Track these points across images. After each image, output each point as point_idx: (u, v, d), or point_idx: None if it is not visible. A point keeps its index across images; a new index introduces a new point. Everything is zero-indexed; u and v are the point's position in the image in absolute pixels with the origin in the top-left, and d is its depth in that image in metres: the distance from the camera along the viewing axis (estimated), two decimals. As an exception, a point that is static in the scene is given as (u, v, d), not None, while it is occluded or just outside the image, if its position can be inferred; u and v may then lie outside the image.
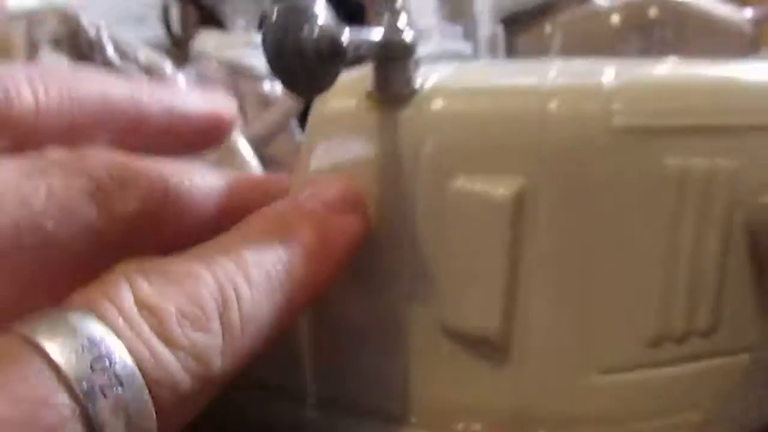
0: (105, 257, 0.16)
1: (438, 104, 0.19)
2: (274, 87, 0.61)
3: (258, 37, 0.69)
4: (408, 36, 0.19)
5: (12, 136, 0.17)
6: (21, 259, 0.15)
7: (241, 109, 0.57)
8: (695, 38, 0.58)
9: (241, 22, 0.63)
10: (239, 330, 0.15)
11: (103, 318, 0.13)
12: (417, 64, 0.20)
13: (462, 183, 0.18)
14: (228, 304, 0.15)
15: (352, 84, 0.20)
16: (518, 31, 0.63)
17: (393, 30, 0.20)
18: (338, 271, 0.18)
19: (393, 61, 0.19)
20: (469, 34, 0.33)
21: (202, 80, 0.57)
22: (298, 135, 0.65)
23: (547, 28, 0.62)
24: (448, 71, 0.21)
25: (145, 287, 0.14)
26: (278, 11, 0.17)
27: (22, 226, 0.15)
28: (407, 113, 0.19)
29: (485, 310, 0.17)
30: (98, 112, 0.19)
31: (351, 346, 0.20)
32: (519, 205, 0.17)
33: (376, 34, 0.19)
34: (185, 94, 0.23)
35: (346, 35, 0.17)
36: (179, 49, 0.66)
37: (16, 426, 0.11)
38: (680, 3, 0.60)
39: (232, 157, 0.38)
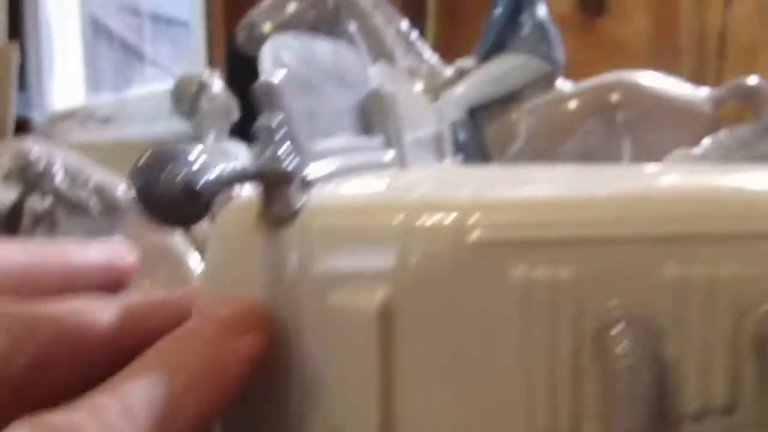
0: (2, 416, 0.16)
1: (318, 222, 0.20)
2: (245, 189, 0.63)
3: (225, 148, 0.75)
4: (289, 164, 0.21)
5: None
6: None
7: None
8: (656, 120, 0.60)
9: (212, 134, 0.67)
10: None
11: None
12: (304, 185, 0.21)
13: (335, 297, 0.19)
14: None
15: (247, 206, 0.21)
16: (486, 120, 0.65)
17: (272, 160, 0.20)
18: (232, 394, 0.19)
19: (273, 186, 0.21)
20: (391, 142, 0.35)
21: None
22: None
23: (514, 115, 0.64)
24: (337, 187, 0.23)
25: None
26: (147, 156, 0.19)
27: None
28: (289, 232, 0.20)
29: (365, 415, 0.18)
30: None
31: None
32: (385, 317, 0.18)
33: (250, 165, 0.20)
34: (81, 249, 0.24)
35: (206, 180, 0.18)
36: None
37: None
38: (641, 86, 0.62)
39: (168, 258, 0.40)
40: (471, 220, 0.18)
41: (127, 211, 0.42)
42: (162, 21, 2.16)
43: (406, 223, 0.18)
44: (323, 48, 0.37)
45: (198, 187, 0.18)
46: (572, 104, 0.61)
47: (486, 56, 0.67)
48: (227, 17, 1.76)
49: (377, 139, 0.35)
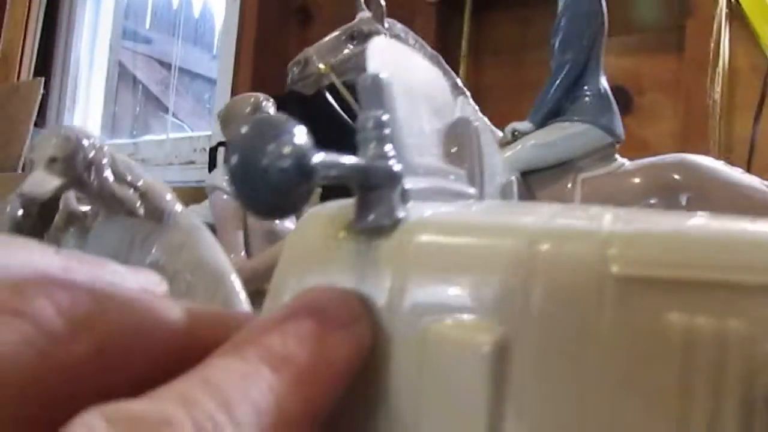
0: (60, 408, 0.14)
1: (420, 239, 0.18)
2: (282, 223, 0.60)
3: None
4: (394, 165, 0.18)
5: None
6: None
7: (246, 241, 0.57)
8: (717, 204, 0.57)
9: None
10: None
11: None
12: (404, 196, 0.19)
13: (440, 327, 0.16)
14: None
15: (334, 213, 0.19)
16: (537, 185, 0.63)
17: (378, 157, 0.18)
18: (337, 394, 0.16)
19: (374, 189, 0.18)
20: (473, 179, 0.32)
21: (213, 212, 0.56)
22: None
23: (568, 184, 0.62)
24: (444, 208, 0.20)
25: None
26: (249, 125, 0.16)
27: None
28: (387, 247, 0.18)
29: None
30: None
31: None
32: (500, 355, 0.16)
33: (358, 159, 0.18)
34: (118, 273, 0.22)
35: (318, 157, 0.16)
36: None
37: None
38: (704, 168, 0.60)
39: (224, 290, 0.37)
40: (613, 252, 0.16)
41: (172, 220, 0.38)
42: (187, 75, 2.21)
43: (531, 249, 0.17)
44: (422, 62, 0.34)
45: (312, 164, 0.16)
46: (635, 180, 0.59)
47: (543, 121, 0.65)
48: (253, 77, 1.80)
49: (462, 170, 0.33)
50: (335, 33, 0.69)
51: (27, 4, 1.95)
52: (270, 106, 0.65)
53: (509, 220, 0.19)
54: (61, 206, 0.40)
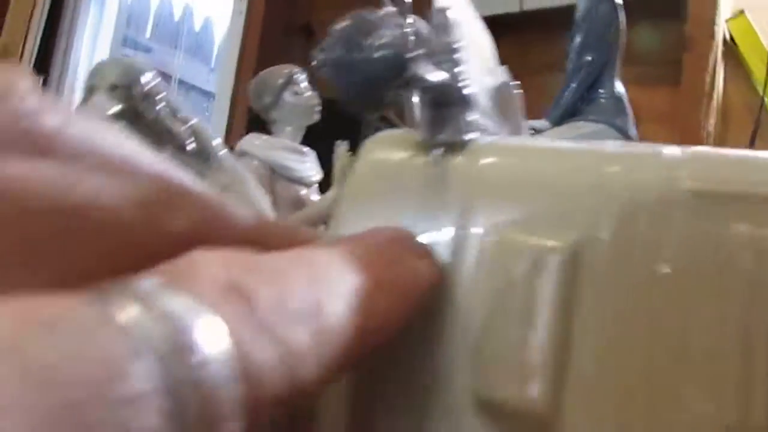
0: (133, 266, 0.14)
1: (490, 156, 0.18)
2: (309, 192, 0.61)
3: (299, 145, 0.73)
4: (466, 88, 0.19)
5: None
6: (56, 248, 0.13)
7: (275, 208, 0.57)
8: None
9: (288, 130, 0.64)
10: (329, 343, 0.13)
11: (190, 292, 0.11)
12: (472, 122, 0.19)
13: (512, 236, 0.17)
14: (321, 310, 0.13)
15: (399, 136, 0.20)
16: None
17: (453, 76, 0.19)
18: (409, 314, 0.16)
19: (447, 107, 0.19)
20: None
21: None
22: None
23: None
24: (507, 137, 0.21)
25: (234, 270, 0.12)
26: (349, 19, 0.17)
27: (56, 212, 0.13)
28: (457, 165, 0.18)
29: (530, 377, 0.16)
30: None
31: (386, 418, 0.18)
32: (573, 261, 0.16)
33: (439, 72, 0.18)
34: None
35: (411, 54, 0.17)
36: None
37: (87, 398, 0.09)
38: None
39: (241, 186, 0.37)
40: (683, 171, 0.17)
41: (217, 162, 0.38)
42: (184, 86, 2.21)
43: (603, 169, 0.17)
44: (478, 21, 0.35)
45: (407, 57, 0.17)
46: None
47: (560, 120, 0.66)
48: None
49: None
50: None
51: (31, 4, 1.95)
52: (303, 79, 0.66)
53: (577, 146, 0.19)
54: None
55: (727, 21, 1.37)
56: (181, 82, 2.23)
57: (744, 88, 1.38)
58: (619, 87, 0.68)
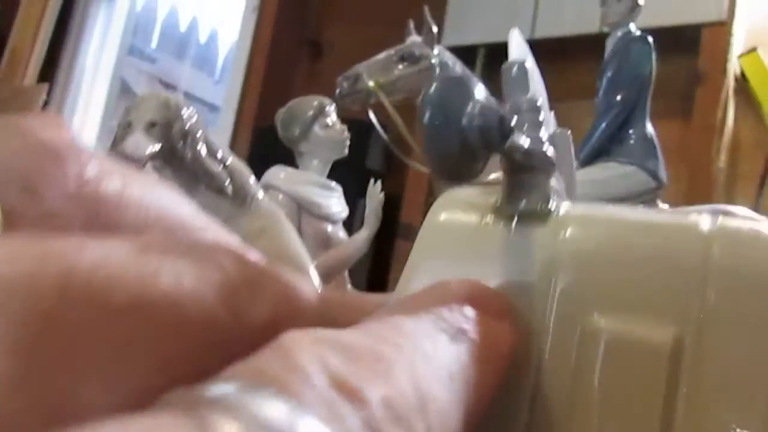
0: (216, 364, 0.12)
1: (579, 229, 0.17)
2: (336, 230, 0.59)
3: (326, 180, 0.71)
4: (549, 151, 0.18)
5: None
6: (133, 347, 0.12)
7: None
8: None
9: (315, 163, 0.62)
10: None
11: (292, 395, 0.10)
12: (554, 188, 0.18)
13: (606, 323, 0.16)
14: (428, 401, 0.12)
15: (473, 196, 0.19)
16: None
17: (535, 140, 0.18)
18: (500, 383, 0.15)
19: (529, 173, 0.18)
20: (570, 195, 0.31)
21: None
22: (350, 287, 0.62)
23: None
24: (578, 204, 0.19)
25: (335, 363, 0.11)
26: (441, 82, 0.16)
27: (140, 309, 0.12)
28: (541, 234, 0.17)
29: None
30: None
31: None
32: (676, 354, 0.15)
33: (524, 138, 0.17)
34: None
35: (513, 121, 0.16)
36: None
37: None
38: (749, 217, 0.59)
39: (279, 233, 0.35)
40: None
41: (254, 204, 0.36)
42: (187, 98, 2.21)
43: (704, 250, 0.16)
44: (539, 75, 0.34)
45: (511, 127, 0.16)
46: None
47: (588, 160, 0.65)
48: (259, 106, 1.80)
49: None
50: (386, 52, 0.69)
51: (41, 8, 1.95)
52: (333, 112, 0.64)
53: (671, 219, 0.18)
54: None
55: (739, 57, 1.38)
56: (185, 94, 2.23)
57: (755, 124, 1.38)
58: (650, 128, 0.67)
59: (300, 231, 0.55)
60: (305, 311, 0.15)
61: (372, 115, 0.66)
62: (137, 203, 0.13)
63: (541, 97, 0.23)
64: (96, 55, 2.07)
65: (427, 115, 0.15)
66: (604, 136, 0.65)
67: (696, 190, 1.32)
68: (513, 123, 0.18)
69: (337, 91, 0.63)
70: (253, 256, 0.15)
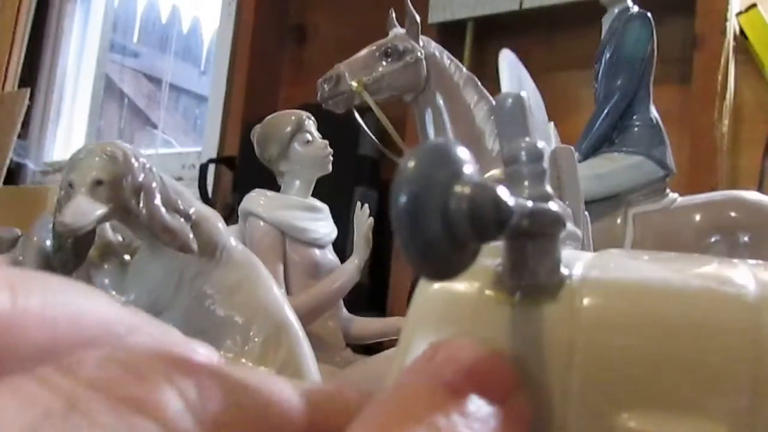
0: None
1: (597, 302, 0.15)
2: (324, 254, 0.55)
3: (311, 201, 0.67)
4: (554, 207, 0.15)
5: None
6: None
7: (285, 275, 0.51)
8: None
9: (297, 183, 0.58)
10: None
11: None
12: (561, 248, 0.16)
13: (636, 424, 0.14)
14: None
15: (475, 265, 0.16)
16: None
17: (540, 196, 0.15)
18: None
19: (537, 238, 0.15)
20: (578, 218, 0.28)
21: (249, 241, 0.51)
22: (346, 313, 0.58)
23: (618, 219, 0.58)
24: (591, 261, 0.17)
25: None
26: (421, 154, 0.13)
27: None
28: (553, 311, 0.15)
29: None
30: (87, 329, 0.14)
31: None
32: None
33: (522, 201, 0.15)
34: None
35: (512, 200, 0.13)
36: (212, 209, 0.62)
37: None
38: (762, 205, 0.56)
39: (287, 339, 0.31)
40: None
41: (225, 255, 0.33)
42: (174, 90, 2.18)
43: (756, 328, 0.14)
44: (530, 83, 0.31)
45: (509, 208, 0.13)
46: (693, 218, 0.55)
47: (590, 151, 0.61)
48: (246, 95, 1.75)
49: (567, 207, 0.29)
50: (368, 49, 0.65)
51: (15, 12, 1.91)
52: (312, 125, 0.59)
53: (710, 285, 0.15)
54: (96, 235, 0.34)
55: (737, 15, 1.33)
56: (171, 86, 2.20)
57: (756, 85, 1.35)
58: (654, 112, 0.63)
59: (286, 259, 0.51)
60: (288, 421, 0.13)
61: (359, 117, 0.63)
62: (38, 318, 0.12)
63: (542, 139, 0.20)
64: (77, 55, 2.05)
65: (402, 199, 0.13)
66: (606, 124, 0.61)
67: (698, 158, 1.30)
68: (510, 178, 0.16)
69: (318, 94, 0.60)
70: (206, 357, 0.13)
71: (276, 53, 1.82)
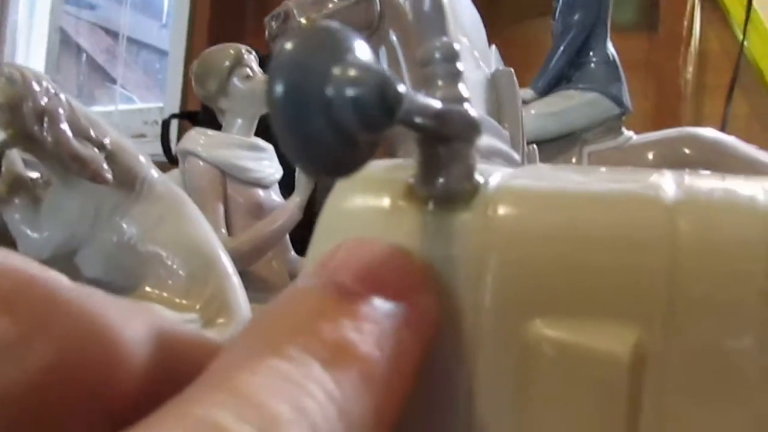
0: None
1: (512, 211, 0.15)
2: (268, 194, 0.53)
3: (254, 140, 0.66)
4: (471, 110, 0.15)
5: None
6: None
7: (228, 216, 0.50)
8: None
9: (239, 121, 0.56)
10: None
11: None
12: (476, 153, 0.15)
13: (550, 331, 0.14)
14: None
15: (384, 174, 0.16)
16: (541, 158, 0.59)
17: (453, 97, 0.14)
18: (409, 391, 0.12)
19: (449, 142, 0.15)
20: (516, 142, 0.27)
21: (188, 182, 0.49)
22: (293, 254, 0.57)
23: (573, 157, 0.58)
24: (512, 172, 0.17)
25: None
26: (300, 37, 0.12)
27: None
28: (466, 219, 0.15)
29: None
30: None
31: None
32: (638, 366, 0.13)
33: (431, 100, 0.14)
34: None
35: (402, 87, 0.12)
36: (176, 166, 0.60)
37: None
38: (718, 142, 0.56)
39: (215, 275, 0.30)
40: None
41: (147, 188, 0.31)
42: (134, 45, 2.12)
43: (674, 227, 0.14)
44: (467, 4, 0.30)
45: (399, 95, 0.12)
46: (646, 155, 0.55)
47: (547, 89, 0.61)
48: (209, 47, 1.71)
49: (505, 131, 0.29)
50: (319, -16, 0.62)
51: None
52: (252, 60, 0.57)
53: (628, 187, 0.15)
54: (2, 170, 0.32)
55: (703, -40, 1.33)
56: (131, 40, 2.14)
57: (721, 31, 1.36)
58: (611, 49, 0.62)
59: (227, 200, 0.50)
60: (125, 355, 0.13)
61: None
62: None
63: (466, 39, 0.19)
64: (29, 8, 1.98)
65: (277, 89, 0.11)
66: (562, 61, 0.61)
67: (663, 105, 1.31)
68: (424, 80, 0.15)
69: (266, 33, 0.57)
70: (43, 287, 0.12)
71: (238, 4, 1.78)
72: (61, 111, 0.27)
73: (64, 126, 0.27)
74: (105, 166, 0.28)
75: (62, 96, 0.27)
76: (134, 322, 0.13)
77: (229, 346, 0.11)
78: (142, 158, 0.31)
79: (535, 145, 0.40)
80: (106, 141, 0.29)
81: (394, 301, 0.12)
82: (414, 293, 0.13)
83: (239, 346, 0.11)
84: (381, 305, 0.12)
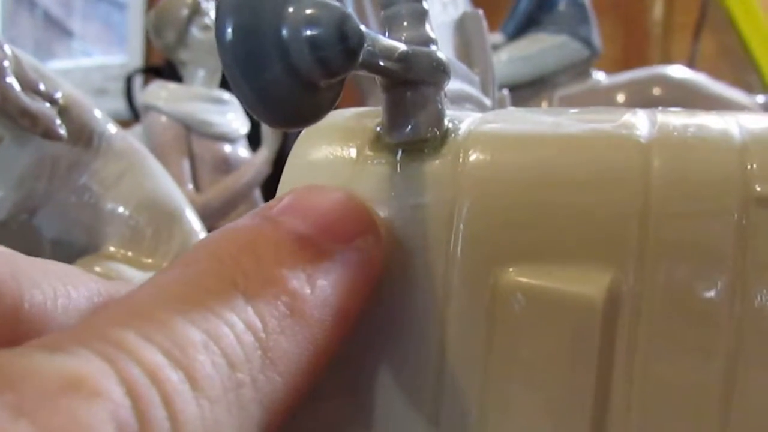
0: None
1: (482, 156, 0.14)
2: (235, 149, 0.52)
3: (218, 92, 0.64)
4: (438, 52, 0.14)
5: None
6: None
7: (194, 172, 0.49)
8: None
9: (200, 74, 0.54)
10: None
11: None
12: (445, 99, 0.15)
13: (523, 277, 0.14)
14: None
15: (350, 123, 0.16)
16: (511, 103, 0.58)
17: (419, 39, 0.14)
18: (349, 327, 0.12)
19: (417, 86, 0.14)
20: (486, 87, 0.26)
21: (150, 138, 0.48)
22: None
23: (544, 102, 0.58)
24: (483, 116, 0.16)
25: None
26: None
27: None
28: (435, 167, 0.15)
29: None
30: None
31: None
32: (612, 309, 0.13)
33: (395, 42, 0.13)
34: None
35: (360, 26, 0.12)
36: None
37: None
38: (687, 82, 0.56)
39: (180, 231, 0.29)
40: (755, 167, 0.13)
41: (105, 143, 0.30)
42: None
43: (648, 166, 0.14)
44: None
45: (358, 35, 0.12)
46: (616, 97, 0.55)
47: (516, 33, 0.60)
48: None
49: (475, 75, 0.28)
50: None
51: None
52: (212, 7, 0.55)
53: (600, 128, 0.15)
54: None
55: None
56: (87, -8, 2.07)
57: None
58: (580, -11, 0.61)
59: (193, 155, 0.48)
60: (49, 318, 0.12)
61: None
62: None
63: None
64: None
65: (227, 33, 0.11)
66: (531, 4, 0.60)
67: (632, 46, 1.31)
68: (388, 21, 0.15)
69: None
70: None
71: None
72: (5, 63, 0.25)
73: (10, 79, 0.26)
74: (58, 121, 0.27)
75: (6, 47, 0.26)
76: (61, 289, 0.12)
77: (153, 276, 0.11)
78: (98, 113, 0.30)
79: (506, 90, 0.39)
80: (58, 95, 0.27)
81: (334, 242, 0.12)
82: (356, 236, 0.13)
83: (162, 276, 0.11)
84: (317, 244, 0.12)
